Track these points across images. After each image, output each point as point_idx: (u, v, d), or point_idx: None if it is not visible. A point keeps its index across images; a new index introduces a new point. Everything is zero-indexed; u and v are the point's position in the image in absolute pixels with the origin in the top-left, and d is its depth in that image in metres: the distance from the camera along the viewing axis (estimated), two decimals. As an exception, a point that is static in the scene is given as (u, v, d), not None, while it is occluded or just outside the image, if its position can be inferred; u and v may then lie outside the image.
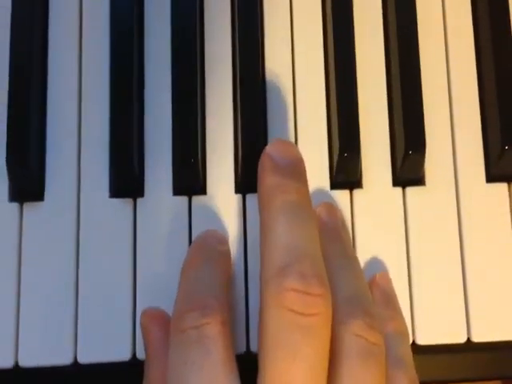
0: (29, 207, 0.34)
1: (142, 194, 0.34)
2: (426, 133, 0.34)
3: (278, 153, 0.30)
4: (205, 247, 0.32)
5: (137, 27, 0.35)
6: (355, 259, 0.33)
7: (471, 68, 0.36)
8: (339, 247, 0.32)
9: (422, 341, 0.33)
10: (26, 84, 0.34)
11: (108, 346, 0.33)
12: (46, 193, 0.34)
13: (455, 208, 0.35)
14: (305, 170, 0.31)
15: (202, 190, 0.34)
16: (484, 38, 0.36)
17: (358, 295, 0.30)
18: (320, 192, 0.34)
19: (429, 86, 0.36)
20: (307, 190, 0.30)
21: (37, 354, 0.32)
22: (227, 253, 0.33)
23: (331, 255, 0.31)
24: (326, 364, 0.27)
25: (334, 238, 0.32)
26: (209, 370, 0.27)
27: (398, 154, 0.35)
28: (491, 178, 0.35)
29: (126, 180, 0.34)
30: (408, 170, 0.34)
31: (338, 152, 0.33)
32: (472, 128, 0.36)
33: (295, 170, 0.30)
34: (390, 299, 0.33)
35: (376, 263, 0.34)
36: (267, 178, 0.30)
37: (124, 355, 0.33)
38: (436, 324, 0.33)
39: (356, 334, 0.28)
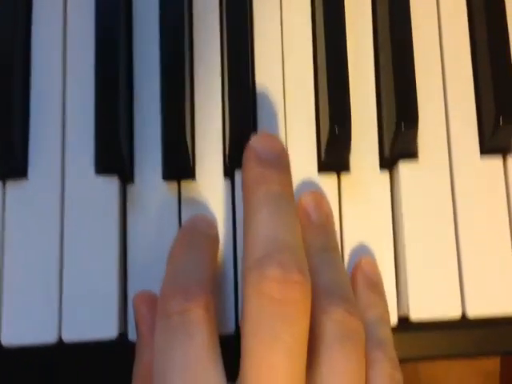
0: (12, 185, 0.33)
1: (131, 179, 0.34)
2: (418, 106, 0.33)
3: (261, 145, 0.31)
4: (192, 231, 0.32)
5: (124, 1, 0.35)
6: (337, 252, 0.33)
7: (465, 41, 0.36)
8: (322, 240, 0.33)
9: (415, 316, 0.33)
10: (8, 59, 0.33)
11: (93, 324, 0.32)
12: (29, 170, 0.33)
13: (449, 182, 0.34)
14: (288, 162, 0.31)
15: (192, 175, 0.34)
16: (476, 7, 0.35)
17: (338, 286, 0.30)
18: (307, 176, 0.34)
19: (421, 58, 0.35)
20: (290, 182, 0.31)
21: (20, 333, 0.32)
22: (215, 237, 0.33)
23: (313, 248, 0.32)
24: (304, 350, 0.27)
25: (318, 230, 0.33)
26: (192, 354, 0.27)
27: (389, 129, 0.34)
28: (485, 151, 0.35)
29: (112, 155, 0.33)
30: (400, 145, 0.34)
31: (328, 128, 0.33)
32: (466, 100, 0.35)
33: (278, 161, 0.31)
34: (373, 284, 0.33)
35: (363, 246, 0.34)
36: (250, 169, 0.30)
37: (110, 333, 0.32)
38: (430, 300, 0.33)
39: (335, 320, 0.28)
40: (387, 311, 0.33)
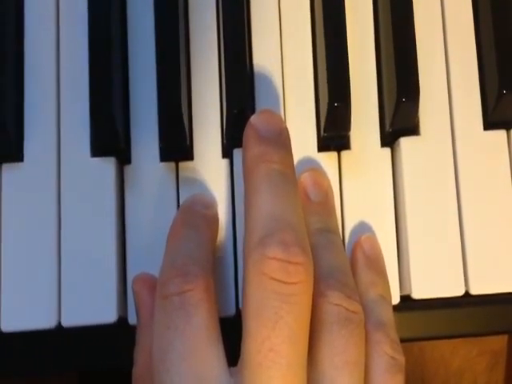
0: (7, 168, 0.33)
1: (129, 161, 0.33)
2: (419, 79, 0.32)
3: (262, 123, 0.30)
4: (191, 212, 0.32)
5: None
6: (336, 233, 0.33)
7: (467, 11, 0.35)
8: (320, 219, 0.32)
9: (418, 295, 0.33)
10: (1, 41, 0.33)
11: (93, 308, 0.32)
12: (25, 153, 0.33)
13: (452, 157, 0.34)
14: (289, 140, 0.31)
15: (189, 155, 0.34)
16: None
17: (337, 268, 0.30)
18: (307, 154, 0.34)
19: (422, 30, 0.34)
20: (291, 160, 0.30)
21: (19, 319, 0.31)
22: (214, 217, 0.33)
23: (312, 229, 0.31)
24: (306, 331, 0.27)
25: (316, 209, 0.33)
26: (191, 335, 0.27)
27: (390, 104, 0.33)
28: (489, 124, 0.34)
29: (107, 135, 0.33)
30: (401, 120, 0.33)
31: (327, 103, 0.32)
32: (468, 73, 0.34)
33: (279, 139, 0.30)
34: (373, 262, 0.33)
35: (365, 225, 0.33)
36: (251, 147, 0.30)
37: (110, 317, 0.32)
38: (433, 277, 0.33)
39: (335, 303, 0.28)
40: (388, 290, 0.33)
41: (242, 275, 0.28)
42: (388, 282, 0.33)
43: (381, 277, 0.33)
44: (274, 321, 0.26)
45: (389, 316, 0.31)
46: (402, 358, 0.30)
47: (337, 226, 0.33)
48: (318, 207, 0.33)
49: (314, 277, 0.28)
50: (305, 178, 0.33)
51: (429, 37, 0.35)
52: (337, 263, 0.30)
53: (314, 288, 0.28)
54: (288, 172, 0.30)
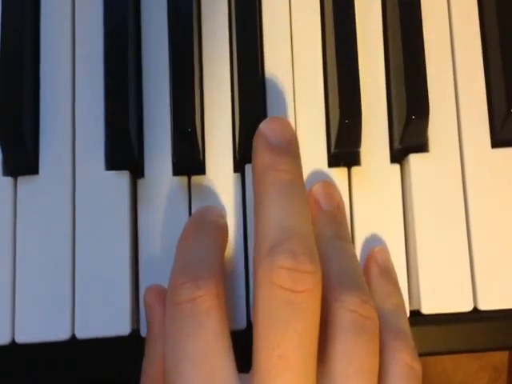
0: (23, 181, 0.33)
1: (142, 175, 0.34)
2: (429, 97, 0.33)
3: (271, 131, 0.30)
4: (201, 221, 0.32)
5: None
6: (348, 241, 0.33)
7: (475, 31, 0.36)
8: (333, 228, 0.32)
9: (427, 310, 0.33)
10: (18, 55, 0.33)
11: (106, 320, 0.32)
12: (40, 166, 0.33)
13: (460, 174, 0.34)
14: (298, 149, 0.31)
15: (202, 170, 0.34)
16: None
17: (350, 274, 0.30)
18: (317, 169, 0.34)
19: (432, 49, 0.35)
20: (300, 169, 0.31)
21: (33, 330, 0.32)
22: (224, 226, 0.33)
23: (324, 237, 0.32)
24: (315, 339, 0.27)
25: (329, 219, 0.33)
26: (203, 343, 0.27)
27: (399, 121, 0.34)
28: (496, 143, 0.34)
29: (122, 150, 0.33)
30: (410, 138, 0.34)
31: (338, 120, 0.33)
32: (476, 91, 0.35)
33: (289, 148, 0.30)
34: (387, 273, 0.33)
35: (374, 240, 0.34)
36: (261, 156, 0.30)
37: (123, 330, 0.32)
38: (442, 293, 0.33)
39: (349, 309, 0.28)
40: (403, 301, 0.33)
41: (253, 288, 0.28)
42: (401, 294, 0.33)
43: (395, 288, 0.33)
44: (284, 328, 0.26)
45: (406, 325, 0.31)
46: (419, 367, 0.30)
47: (348, 234, 0.33)
48: (330, 216, 0.33)
49: (327, 282, 0.28)
50: (316, 189, 0.33)
51: (438, 55, 0.35)
52: (350, 269, 0.31)
53: (328, 292, 0.28)
54: (297, 181, 0.30)
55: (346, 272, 0.30)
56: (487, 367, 0.58)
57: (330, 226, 0.32)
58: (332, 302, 0.28)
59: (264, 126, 0.31)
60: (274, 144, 0.30)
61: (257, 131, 0.31)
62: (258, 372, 0.27)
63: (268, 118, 0.32)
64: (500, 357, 0.58)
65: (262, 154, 0.30)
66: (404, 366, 0.29)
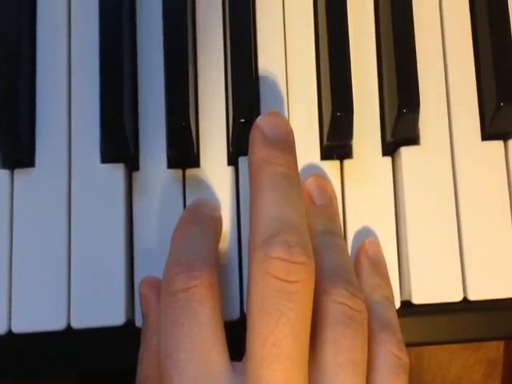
0: (19, 174, 0.33)
1: (137, 168, 0.34)
2: (419, 90, 0.33)
3: (267, 125, 0.31)
4: (196, 213, 0.33)
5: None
6: (340, 236, 0.33)
7: (466, 24, 0.36)
8: (325, 222, 0.33)
9: (417, 300, 0.33)
10: (14, 48, 0.33)
11: (102, 310, 0.32)
12: (36, 159, 0.34)
13: (450, 167, 0.34)
14: (294, 143, 0.31)
15: (196, 162, 0.34)
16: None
17: (340, 267, 0.31)
18: (310, 162, 0.35)
19: (423, 43, 0.35)
20: (296, 163, 0.31)
21: (30, 320, 0.32)
22: (218, 218, 0.33)
23: (316, 232, 0.32)
24: (307, 328, 0.28)
25: (321, 212, 0.33)
26: (197, 332, 0.28)
27: (391, 114, 0.34)
28: (487, 135, 0.35)
29: (117, 142, 0.33)
30: (402, 130, 0.34)
31: (330, 113, 0.33)
32: (467, 85, 0.35)
33: (284, 142, 0.31)
34: (377, 265, 0.33)
35: (366, 232, 0.34)
36: (257, 150, 0.31)
37: (118, 320, 0.32)
38: (432, 283, 0.33)
39: (339, 301, 0.29)
40: (392, 293, 0.33)
41: (247, 279, 0.29)
42: (391, 286, 0.33)
43: (385, 280, 0.33)
44: (277, 317, 0.27)
45: (394, 317, 0.32)
46: (407, 359, 0.30)
47: (340, 228, 0.34)
48: (322, 210, 0.33)
49: (319, 276, 0.28)
50: (309, 183, 0.34)
51: (428, 49, 0.35)
52: (341, 263, 0.31)
53: (319, 286, 0.29)
54: (293, 175, 0.30)
55: (336, 266, 0.31)
56: (483, 360, 0.58)
57: (322, 220, 0.33)
58: (322, 294, 0.29)
59: (261, 120, 0.31)
60: (270, 138, 0.30)
61: (253, 125, 0.31)
62: (251, 359, 0.27)
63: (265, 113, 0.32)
64: (495, 350, 0.58)
65: (258, 148, 0.30)
66: (391, 356, 0.30)
